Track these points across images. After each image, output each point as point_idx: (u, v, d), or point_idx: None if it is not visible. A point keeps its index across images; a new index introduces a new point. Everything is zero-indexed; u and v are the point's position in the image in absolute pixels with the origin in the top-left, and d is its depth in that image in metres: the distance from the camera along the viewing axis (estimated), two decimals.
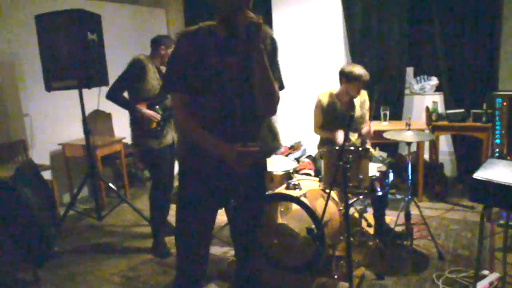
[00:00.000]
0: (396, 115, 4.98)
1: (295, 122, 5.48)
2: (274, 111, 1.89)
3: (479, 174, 2.12)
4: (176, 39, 1.83)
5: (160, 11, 6.07)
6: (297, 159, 4.94)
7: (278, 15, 5.49)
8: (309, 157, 4.86)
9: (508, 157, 3.83)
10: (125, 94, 3.46)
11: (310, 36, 5.35)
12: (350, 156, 2.60)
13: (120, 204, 4.50)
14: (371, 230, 3.47)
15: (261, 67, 1.71)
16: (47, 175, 4.46)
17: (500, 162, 2.37)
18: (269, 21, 5.59)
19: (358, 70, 3.42)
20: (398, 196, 4.49)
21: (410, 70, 5.28)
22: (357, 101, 3.59)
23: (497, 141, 3.92)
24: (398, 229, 3.41)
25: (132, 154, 5.30)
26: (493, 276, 2.75)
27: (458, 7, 4.60)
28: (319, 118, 3.63)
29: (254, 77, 1.74)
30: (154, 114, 3.35)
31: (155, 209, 3.53)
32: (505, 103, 3.86)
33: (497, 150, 3.90)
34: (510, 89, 4.42)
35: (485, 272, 2.85)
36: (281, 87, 1.95)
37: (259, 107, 1.82)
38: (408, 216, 3.22)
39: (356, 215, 3.34)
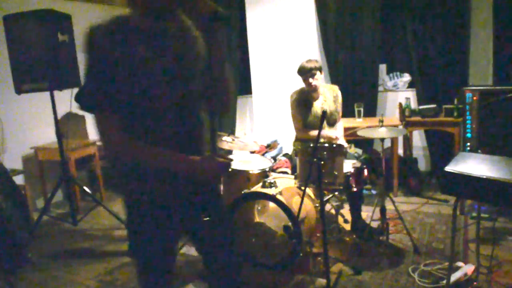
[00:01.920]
0: (370, 112, 5.04)
1: (271, 121, 5.50)
2: (227, 109, 1.75)
3: (450, 167, 2.16)
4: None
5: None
6: (274, 158, 4.94)
7: (251, 13, 5.49)
8: (285, 155, 4.87)
9: (479, 150, 3.91)
10: None
11: (284, 34, 5.37)
12: (325, 152, 2.62)
13: (95, 208, 4.43)
14: (347, 226, 3.51)
15: (220, 62, 1.56)
16: (19, 179, 4.36)
17: (471, 155, 2.42)
18: (242, 19, 5.59)
19: (304, 63, 3.47)
20: (374, 192, 4.54)
21: (383, 67, 5.36)
22: (329, 96, 3.61)
23: (468, 135, 3.99)
24: (374, 224, 3.46)
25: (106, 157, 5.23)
26: (467, 268, 2.81)
27: (428, 4, 4.68)
28: (299, 118, 3.62)
29: (212, 73, 1.56)
30: None
31: None
32: (475, 98, 3.94)
33: (469, 144, 3.99)
34: (479, 84, 4.54)
35: (460, 264, 2.90)
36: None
37: (215, 105, 1.64)
38: (383, 211, 3.27)
39: (333, 211, 3.37)
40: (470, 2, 4.62)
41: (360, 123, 4.51)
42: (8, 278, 3.16)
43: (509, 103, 3.72)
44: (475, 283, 2.68)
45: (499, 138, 3.83)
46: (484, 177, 2.00)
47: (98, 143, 4.89)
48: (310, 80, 3.46)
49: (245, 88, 5.90)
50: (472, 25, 4.68)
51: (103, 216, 4.44)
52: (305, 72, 3.46)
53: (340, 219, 3.56)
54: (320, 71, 3.50)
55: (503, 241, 3.35)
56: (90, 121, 5.11)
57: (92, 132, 5.20)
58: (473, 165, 2.19)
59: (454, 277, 2.70)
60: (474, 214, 3.68)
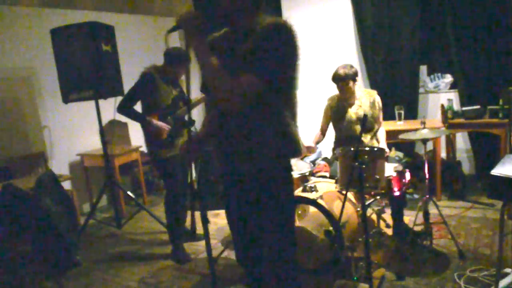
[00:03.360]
0: (411, 114, 4.94)
1: (309, 124, 5.47)
2: (231, 105, 1.70)
3: (496, 171, 2.10)
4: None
5: (173, 20, 6.14)
6: (313, 162, 4.93)
7: (288, 16, 5.50)
8: (324, 159, 4.84)
9: None
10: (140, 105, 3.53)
11: (322, 37, 5.36)
12: (366, 156, 2.60)
13: (139, 212, 4.55)
14: (389, 231, 3.45)
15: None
16: (67, 185, 4.54)
17: None
18: None
19: (338, 70, 3.45)
20: (416, 196, 4.45)
21: (423, 69, 5.24)
22: (365, 102, 3.57)
23: None
24: (417, 228, 3.39)
25: (149, 162, 5.37)
26: None
27: (469, 3, 4.56)
28: (323, 121, 3.79)
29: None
30: (164, 126, 3.41)
31: (170, 215, 3.57)
32: None
33: None
34: None
35: (508, 270, 2.81)
36: (262, 77, 1.69)
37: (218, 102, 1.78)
38: (426, 215, 3.20)
39: (374, 216, 3.33)
40: None
41: (401, 126, 4.43)
42: (58, 279, 3.29)
43: None
44: None
45: None
46: None
47: (141, 149, 5.04)
48: (344, 87, 3.45)
49: None
50: None
51: (146, 220, 4.56)
52: (338, 80, 3.45)
53: (382, 224, 3.51)
54: (355, 78, 3.47)
55: None
56: (133, 127, 5.27)
57: (135, 139, 5.36)
58: None
59: (502, 283, 2.61)
60: None
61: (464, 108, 4.47)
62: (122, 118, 5.01)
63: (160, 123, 3.40)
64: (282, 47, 1.71)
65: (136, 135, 5.20)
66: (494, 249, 3.22)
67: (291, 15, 5.50)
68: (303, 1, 5.45)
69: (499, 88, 4.36)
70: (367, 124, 3.52)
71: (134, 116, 3.47)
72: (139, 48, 5.51)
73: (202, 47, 1.68)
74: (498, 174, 2.07)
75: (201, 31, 1.68)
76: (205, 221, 1.91)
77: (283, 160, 1.87)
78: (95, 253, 3.90)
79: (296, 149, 1.86)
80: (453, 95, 4.91)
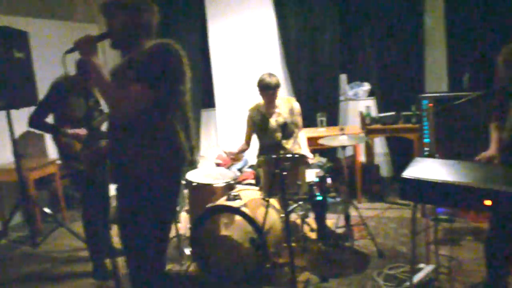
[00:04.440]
0: (333, 121, 5.14)
1: (235, 133, 5.51)
2: (119, 112, 1.96)
3: (406, 173, 2.22)
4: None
5: (94, 27, 5.91)
6: (240, 170, 4.96)
7: (213, 26, 5.52)
8: (251, 167, 4.89)
9: (437, 155, 4.05)
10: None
11: (246, 47, 5.43)
12: (287, 163, 2.65)
13: (56, 229, 4.29)
14: (314, 235, 3.54)
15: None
16: None
17: (426, 160, 2.50)
18: (204, 33, 5.61)
19: (265, 78, 3.51)
20: (338, 199, 4.61)
21: (343, 77, 5.48)
22: (285, 109, 3.65)
23: (426, 140, 4.13)
24: (339, 231, 3.51)
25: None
26: (428, 268, 2.89)
27: (384, 16, 4.87)
28: (246, 131, 3.79)
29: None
30: (82, 131, 3.24)
31: (88, 231, 3.40)
32: (430, 104, 4.09)
33: (427, 148, 4.12)
34: (435, 91, 4.71)
35: (421, 265, 2.98)
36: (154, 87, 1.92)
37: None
38: (347, 218, 3.32)
39: (299, 221, 3.40)
40: (424, 13, 4.84)
41: (323, 132, 4.59)
42: None
43: (463, 109, 3.89)
44: (435, 282, 2.76)
45: (455, 143, 3.99)
46: (439, 181, 2.07)
47: (58, 162, 4.76)
48: (271, 96, 3.51)
49: (209, 102, 5.89)
50: (426, 35, 4.90)
51: (65, 237, 4.30)
52: (268, 88, 3.50)
53: (306, 228, 3.59)
54: (279, 87, 3.56)
55: (463, 241, 3.47)
56: (49, 139, 4.97)
57: (53, 151, 5.05)
58: (429, 169, 2.26)
59: (416, 278, 2.76)
60: (438, 216, 3.80)
61: (380, 115, 4.73)
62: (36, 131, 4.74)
63: (77, 130, 3.23)
64: (166, 62, 1.92)
65: (54, 147, 4.92)
66: (409, 247, 3.41)
67: (217, 24, 5.52)
68: (228, 11, 5.49)
69: (412, 95, 4.67)
70: (288, 130, 3.59)
71: (47, 128, 3.28)
72: (57, 55, 5.21)
73: (95, 66, 1.89)
74: (408, 177, 2.20)
75: (94, 52, 1.91)
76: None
77: (167, 169, 2.02)
78: (8, 275, 3.61)
79: (182, 159, 2.04)
80: (371, 102, 5.18)
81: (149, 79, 1.88)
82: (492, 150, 2.48)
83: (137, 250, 2.06)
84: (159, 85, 1.90)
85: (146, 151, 1.95)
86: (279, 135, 3.59)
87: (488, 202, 1.92)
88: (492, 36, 4.25)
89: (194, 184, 3.25)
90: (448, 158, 3.82)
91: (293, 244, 3.42)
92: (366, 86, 5.38)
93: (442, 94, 4.18)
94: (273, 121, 3.64)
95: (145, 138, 1.96)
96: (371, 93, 5.35)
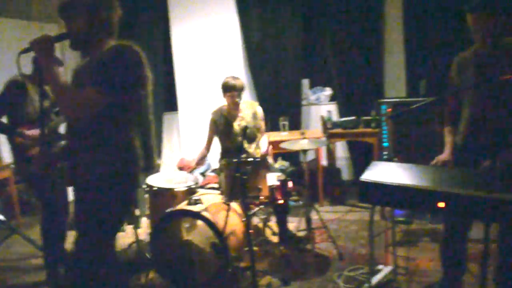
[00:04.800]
0: (295, 125, 5.19)
1: (198, 137, 5.47)
2: (72, 113, 1.92)
3: (364, 177, 2.27)
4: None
5: (53, 26, 5.73)
6: (203, 174, 4.92)
7: (176, 29, 5.47)
8: (214, 171, 4.86)
9: (396, 159, 4.15)
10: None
11: (209, 51, 5.41)
12: (248, 167, 2.65)
13: (10, 236, 4.12)
14: (275, 238, 3.55)
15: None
16: None
17: (383, 163, 2.56)
18: (167, 36, 5.55)
19: (229, 80, 3.53)
20: (301, 203, 4.66)
21: (306, 82, 5.55)
22: (248, 113, 3.66)
23: (385, 144, 4.25)
24: (301, 234, 3.54)
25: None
26: (386, 270, 2.95)
27: (346, 23, 4.98)
28: (208, 135, 3.75)
29: None
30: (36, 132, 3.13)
31: (46, 238, 3.28)
32: (389, 109, 4.20)
33: (385, 152, 4.23)
34: (393, 96, 4.85)
35: (380, 267, 3.05)
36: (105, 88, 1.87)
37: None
38: (308, 221, 3.36)
39: (261, 224, 3.40)
40: (384, 21, 4.99)
41: (285, 136, 4.62)
42: None
43: (420, 114, 4.01)
44: (394, 283, 2.83)
45: (412, 147, 4.11)
46: (395, 184, 2.12)
47: (12, 166, 4.58)
48: (236, 98, 3.50)
49: (171, 105, 5.82)
50: (386, 42, 5.05)
51: (19, 245, 4.14)
52: (232, 90, 3.50)
53: (268, 232, 3.60)
54: (243, 90, 3.57)
55: (420, 242, 3.57)
56: (3, 143, 4.78)
57: (7, 155, 4.86)
58: (386, 173, 2.31)
59: (375, 279, 2.82)
60: (396, 219, 3.89)
61: (341, 119, 4.82)
62: None
63: (34, 131, 3.12)
64: (123, 66, 1.87)
65: (8, 151, 4.73)
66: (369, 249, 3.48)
67: (180, 28, 5.48)
68: (191, 14, 5.45)
69: (372, 101, 4.79)
70: (251, 135, 3.60)
71: (1, 129, 3.15)
72: (14, 54, 5.03)
73: (50, 66, 1.86)
74: (366, 180, 2.24)
75: (50, 52, 1.88)
76: None
77: (119, 175, 1.98)
78: None
79: (135, 166, 2.01)
80: (333, 107, 5.27)
81: (103, 83, 1.83)
82: (446, 153, 2.56)
83: (88, 254, 2.01)
84: (114, 90, 1.86)
85: (98, 156, 1.93)
86: (241, 139, 3.59)
87: (441, 204, 1.99)
88: (448, 45, 4.41)
89: (155, 188, 3.20)
90: (406, 162, 3.96)
91: (255, 248, 3.42)
92: (328, 91, 5.46)
93: (400, 100, 4.31)
94: (236, 125, 3.63)
95: (98, 143, 1.93)
96: (332, 98, 5.44)
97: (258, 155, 3.59)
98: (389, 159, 4.12)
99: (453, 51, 2.57)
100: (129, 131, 1.98)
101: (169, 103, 5.83)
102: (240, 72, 5.34)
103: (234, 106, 3.60)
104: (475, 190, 1.91)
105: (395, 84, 5.09)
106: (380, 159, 4.28)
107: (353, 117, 4.76)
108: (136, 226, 3.45)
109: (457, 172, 2.27)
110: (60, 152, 2.20)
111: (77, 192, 2.04)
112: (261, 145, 3.74)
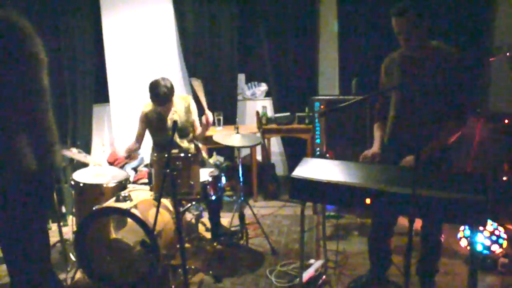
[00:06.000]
0: (231, 120, 5.16)
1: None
2: None
3: (295, 173, 2.29)
4: None
5: None
6: (135, 169, 4.77)
7: (107, 19, 5.23)
8: (147, 166, 4.73)
9: (328, 155, 4.26)
10: None
11: (143, 42, 5.23)
12: (179, 163, 2.58)
13: None
14: (209, 235, 3.51)
15: None
16: None
17: (314, 160, 2.60)
18: (98, 24, 5.29)
19: (159, 90, 3.26)
20: (235, 198, 4.65)
21: (242, 77, 5.53)
22: (181, 107, 3.54)
23: (318, 141, 4.33)
24: (234, 230, 3.52)
25: None
26: (317, 264, 3.01)
27: (281, 19, 5.02)
28: (139, 130, 3.60)
29: None
30: None
31: None
32: (322, 106, 4.29)
33: (318, 149, 4.32)
34: (327, 94, 4.97)
35: (312, 261, 3.11)
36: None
37: None
38: (242, 217, 3.35)
39: (193, 221, 3.35)
40: (318, 18, 5.09)
41: (220, 131, 4.58)
42: None
43: (352, 111, 4.13)
44: (324, 276, 2.89)
45: (344, 143, 4.23)
46: (324, 181, 2.16)
47: None
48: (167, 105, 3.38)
49: (102, 96, 5.56)
50: (320, 39, 5.15)
51: None
52: (164, 102, 3.33)
53: (202, 228, 3.56)
54: (173, 93, 3.39)
55: (351, 236, 3.68)
56: None
57: None
58: (316, 169, 2.35)
59: (306, 273, 2.87)
60: (327, 214, 3.99)
61: (276, 115, 4.86)
62: None
63: None
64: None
65: None
66: None
67: (111, 17, 5.24)
68: (123, 2, 5.23)
69: (306, 97, 4.87)
70: (183, 129, 3.51)
71: None
72: None
73: None
74: (296, 176, 2.26)
75: None
76: None
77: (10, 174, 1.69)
78: None
79: (18, 166, 1.67)
80: (268, 103, 5.30)
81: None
82: (375, 148, 2.64)
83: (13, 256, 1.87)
84: None
85: None
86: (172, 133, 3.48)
87: (368, 201, 2.05)
88: (378, 46, 4.57)
89: (81, 184, 3.03)
90: (338, 158, 4.08)
91: (188, 245, 3.37)
92: (264, 87, 5.49)
93: (332, 97, 4.42)
94: (169, 120, 3.52)
95: None
96: (268, 94, 5.47)
97: (192, 150, 3.52)
98: (322, 155, 4.22)
99: (385, 52, 2.65)
100: (10, 125, 1.65)
101: (100, 94, 5.56)
102: (175, 66, 5.22)
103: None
104: (399, 187, 1.99)
105: (328, 82, 5.21)
106: (313, 155, 4.36)
107: (287, 113, 4.82)
108: (61, 224, 3.26)
109: (384, 169, 2.34)
110: None
111: None
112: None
